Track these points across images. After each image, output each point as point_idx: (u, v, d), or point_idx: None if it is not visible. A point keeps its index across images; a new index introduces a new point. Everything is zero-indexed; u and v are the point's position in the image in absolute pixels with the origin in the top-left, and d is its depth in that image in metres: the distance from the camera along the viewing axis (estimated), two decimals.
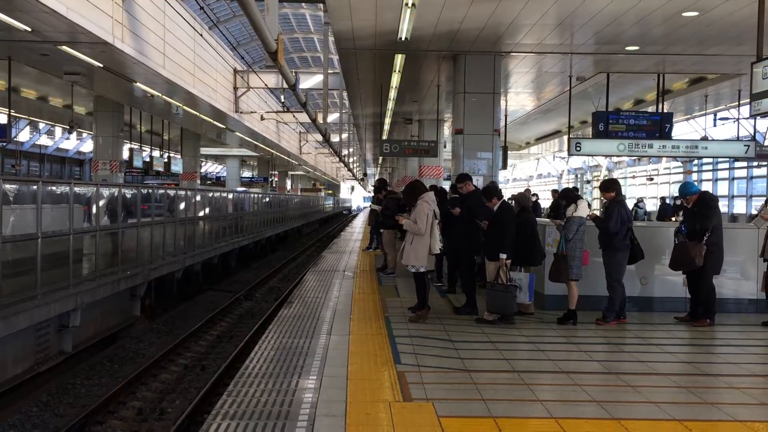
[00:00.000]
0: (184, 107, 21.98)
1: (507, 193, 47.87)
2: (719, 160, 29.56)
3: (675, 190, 33.60)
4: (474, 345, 7.18)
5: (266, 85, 24.23)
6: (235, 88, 24.45)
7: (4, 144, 26.81)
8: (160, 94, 19.37)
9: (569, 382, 5.92)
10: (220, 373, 9.54)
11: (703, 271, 8.25)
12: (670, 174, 35.98)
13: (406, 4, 9.27)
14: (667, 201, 22.99)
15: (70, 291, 9.77)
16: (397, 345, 6.99)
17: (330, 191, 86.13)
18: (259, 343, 7.17)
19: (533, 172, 58.44)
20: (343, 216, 73.53)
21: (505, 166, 21.81)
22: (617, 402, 5.38)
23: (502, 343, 7.30)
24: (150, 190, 14.98)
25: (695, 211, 8.36)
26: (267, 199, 30.95)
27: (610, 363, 6.74)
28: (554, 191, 19.22)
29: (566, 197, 8.73)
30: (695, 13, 10.91)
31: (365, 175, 68.84)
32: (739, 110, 21.57)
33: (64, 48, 13.72)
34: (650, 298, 9.25)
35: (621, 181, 24.05)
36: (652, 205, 32.46)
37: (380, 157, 44.23)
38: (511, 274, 8.43)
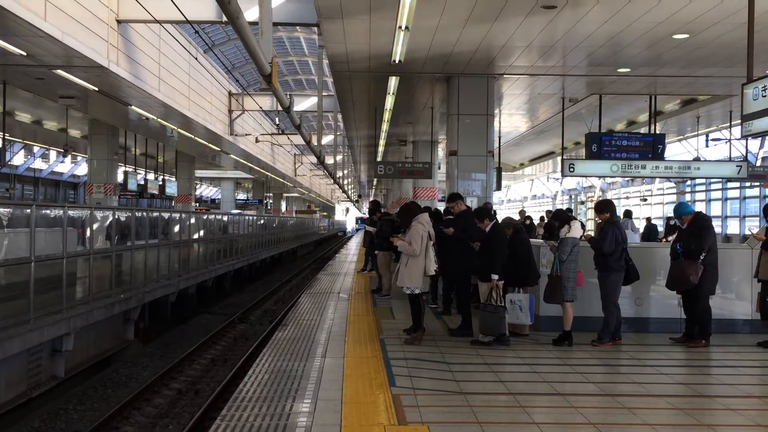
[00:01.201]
0: (179, 130, 22.04)
1: (503, 213, 47.92)
2: (712, 180, 29.70)
3: (668, 211, 33.71)
4: (469, 367, 7.15)
5: (261, 107, 24.34)
6: (230, 111, 24.54)
7: None
8: (155, 117, 19.42)
9: (565, 404, 5.90)
10: (213, 398, 9.46)
11: (699, 292, 8.26)
12: (663, 194, 36.13)
13: (400, 28, 9.34)
14: (653, 221, 23.00)
15: (63, 315, 9.70)
16: (392, 367, 6.96)
17: (325, 213, 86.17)
18: (253, 366, 7.13)
19: (527, 193, 58.61)
20: (338, 238, 73.46)
21: (499, 188, 21.86)
22: (614, 424, 5.36)
23: (498, 365, 7.28)
24: (144, 213, 14.95)
25: (691, 231, 8.39)
26: (262, 222, 30.92)
27: (606, 385, 6.72)
28: (548, 212, 19.25)
29: (559, 218, 8.75)
30: (685, 36, 11.03)
31: (360, 197, 68.94)
32: (730, 131, 21.70)
33: (59, 72, 13.78)
34: (645, 319, 9.23)
35: (615, 202, 24.10)
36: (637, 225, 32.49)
37: (375, 179, 44.35)
38: (511, 295, 8.43)
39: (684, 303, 8.61)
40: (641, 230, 19.43)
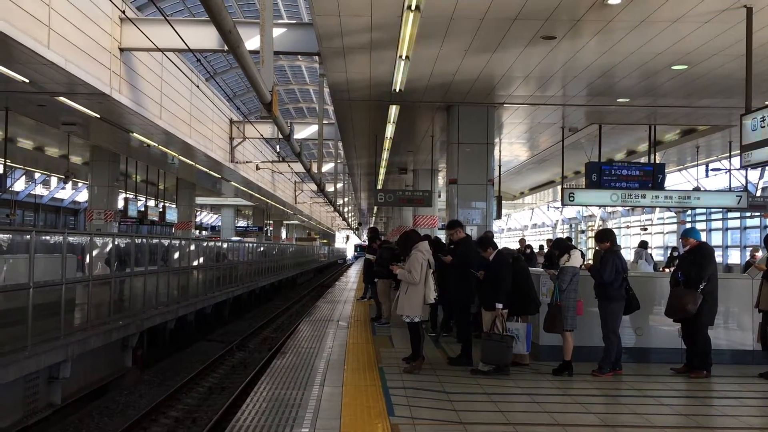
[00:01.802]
0: (180, 157, 22.11)
1: (503, 242, 47.84)
2: (712, 210, 29.72)
3: (668, 240, 33.70)
4: (469, 396, 7.10)
5: (262, 135, 24.44)
6: (231, 138, 24.63)
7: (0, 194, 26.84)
8: (156, 144, 19.49)
9: None
10: (211, 426, 9.38)
11: (698, 322, 8.22)
12: (663, 224, 36.14)
13: (400, 57, 9.42)
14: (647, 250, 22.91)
15: (61, 342, 9.65)
16: (391, 396, 6.91)
17: (325, 240, 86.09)
18: (251, 394, 7.08)
19: (528, 222, 58.63)
20: (338, 265, 73.25)
21: (499, 216, 21.87)
22: None
23: (498, 394, 7.22)
24: (143, 240, 14.94)
25: (692, 260, 8.38)
26: (262, 249, 30.89)
27: (606, 415, 6.66)
28: (548, 241, 19.23)
29: (559, 247, 8.75)
30: (684, 66, 11.11)
31: (360, 224, 68.98)
32: (730, 161, 21.77)
33: (62, 99, 13.85)
34: (646, 349, 9.18)
35: (615, 231, 23.99)
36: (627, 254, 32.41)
37: (375, 207, 44.41)
38: (508, 324, 8.39)
39: (683, 333, 8.57)
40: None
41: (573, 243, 13.90)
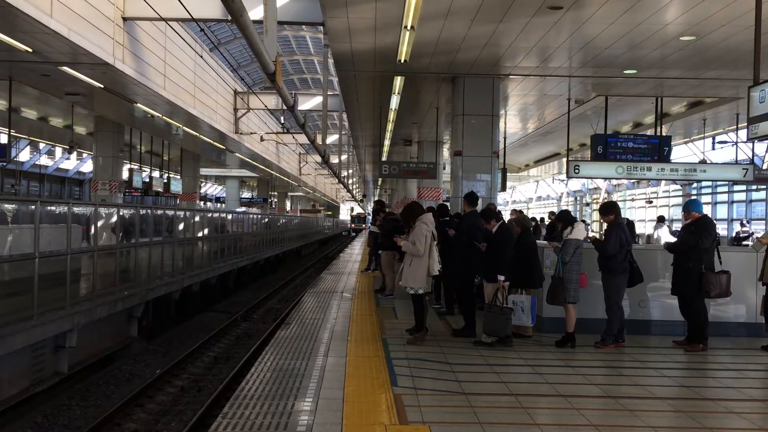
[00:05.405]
0: (185, 128, 22.06)
1: (508, 214, 47.86)
2: (718, 183, 29.61)
3: (674, 213, 33.64)
4: (472, 368, 7.14)
5: (266, 106, 24.34)
6: (236, 109, 24.55)
7: (4, 164, 26.87)
8: (160, 115, 19.45)
9: (567, 405, 5.88)
10: (216, 395, 9.47)
11: (687, 295, 8.24)
12: (669, 197, 36.04)
13: (405, 27, 9.34)
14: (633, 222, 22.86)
15: (67, 311, 9.72)
16: (394, 367, 6.95)
17: (329, 212, 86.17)
18: (255, 364, 7.13)
19: (532, 195, 58.54)
20: (343, 237, 73.29)
21: (504, 188, 21.83)
22: (615, 426, 5.35)
23: (500, 366, 7.27)
24: (148, 211, 14.97)
25: (692, 231, 8.36)
26: (266, 220, 30.92)
27: (608, 387, 6.70)
28: (551, 213, 19.22)
29: (563, 219, 8.74)
30: (692, 38, 10.99)
31: (364, 196, 68.95)
32: (737, 134, 21.61)
33: (65, 69, 13.80)
34: (649, 322, 9.21)
35: (620, 204, 23.91)
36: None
37: (380, 179, 44.33)
38: (513, 296, 8.42)
39: (680, 305, 8.55)
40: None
41: (577, 215, 13.77)
